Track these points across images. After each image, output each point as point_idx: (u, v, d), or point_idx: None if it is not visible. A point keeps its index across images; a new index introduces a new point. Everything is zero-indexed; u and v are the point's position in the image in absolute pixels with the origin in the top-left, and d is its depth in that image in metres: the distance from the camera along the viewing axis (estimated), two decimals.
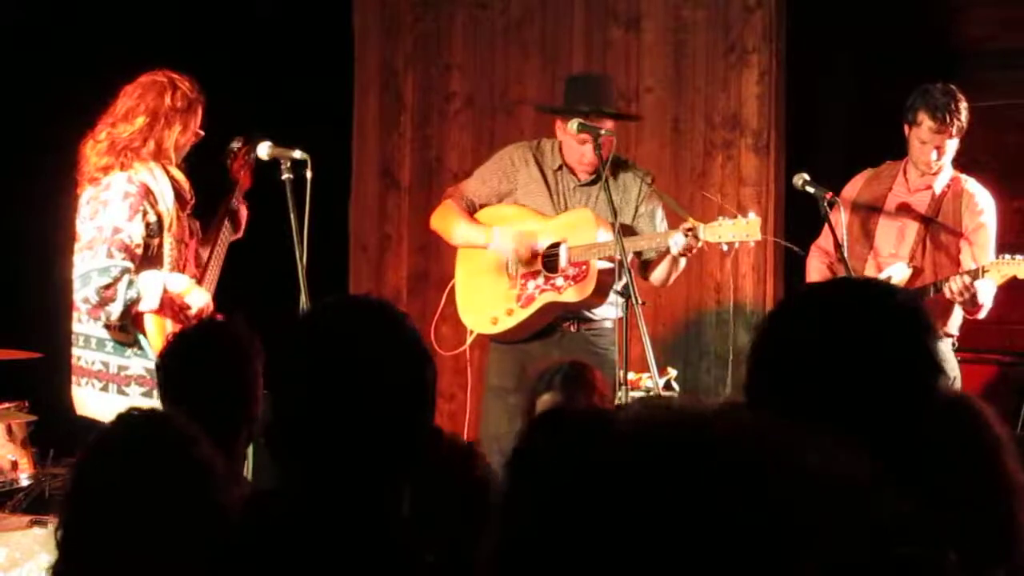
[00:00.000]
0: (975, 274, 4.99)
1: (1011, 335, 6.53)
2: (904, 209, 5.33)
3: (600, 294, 5.12)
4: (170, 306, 4.44)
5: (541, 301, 5.16)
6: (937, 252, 5.27)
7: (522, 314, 5.19)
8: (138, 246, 4.39)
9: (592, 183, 5.20)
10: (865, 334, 1.81)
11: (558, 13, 6.89)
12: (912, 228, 5.31)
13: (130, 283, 4.36)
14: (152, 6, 6.43)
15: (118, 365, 4.46)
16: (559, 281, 5.15)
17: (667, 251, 4.98)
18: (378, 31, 7.22)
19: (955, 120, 5.13)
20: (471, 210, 5.34)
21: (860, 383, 1.78)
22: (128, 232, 4.38)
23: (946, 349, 5.30)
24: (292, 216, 4.52)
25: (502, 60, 7.00)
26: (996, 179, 5.62)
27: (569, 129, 5.12)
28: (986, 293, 5.05)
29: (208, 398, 3.15)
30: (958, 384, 5.15)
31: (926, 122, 5.15)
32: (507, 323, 5.22)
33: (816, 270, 5.52)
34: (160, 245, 4.46)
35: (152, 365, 4.37)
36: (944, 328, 5.27)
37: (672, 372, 5.90)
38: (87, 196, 4.48)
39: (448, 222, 5.36)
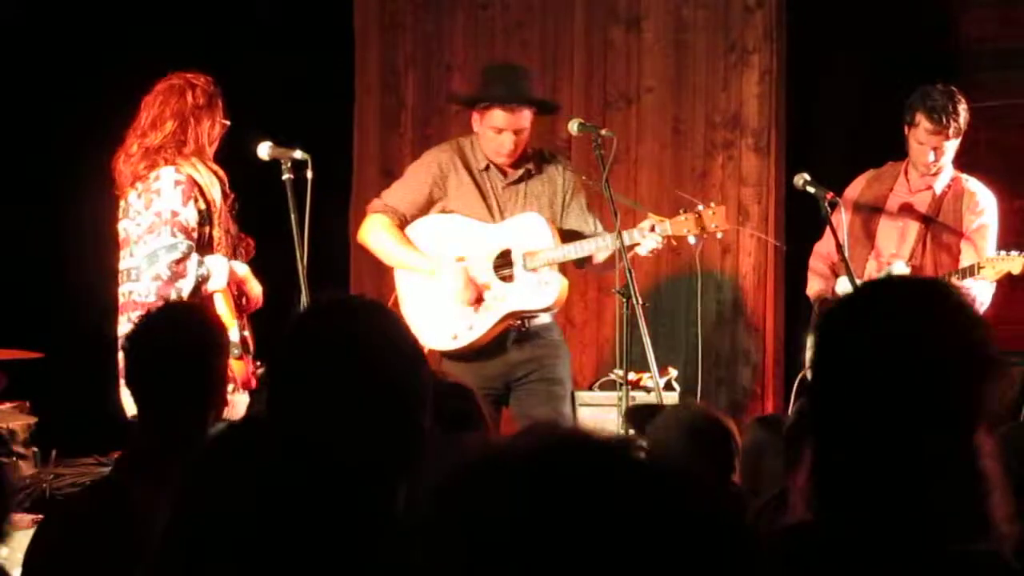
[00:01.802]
0: (971, 271, 4.99)
1: (1010, 335, 6.53)
2: (905, 209, 5.33)
3: (562, 298, 5.07)
4: (232, 288, 4.55)
5: (503, 311, 5.04)
6: (938, 251, 5.27)
7: (485, 326, 5.05)
8: (194, 230, 4.51)
9: (519, 181, 5.13)
10: (930, 333, 1.76)
11: (558, 13, 6.89)
12: (913, 228, 5.32)
13: (199, 262, 4.49)
14: (153, 7, 6.44)
15: None
16: (515, 289, 5.06)
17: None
18: (378, 31, 7.22)
19: (952, 122, 5.12)
20: (401, 223, 5.15)
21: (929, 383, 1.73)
22: (185, 216, 4.49)
23: None
24: (292, 216, 4.55)
25: (502, 60, 7.00)
26: (997, 179, 5.62)
27: (570, 130, 5.10)
28: (981, 292, 5.05)
29: (171, 384, 3.13)
30: None
31: (923, 123, 5.15)
32: (469, 337, 5.06)
33: (818, 271, 5.52)
34: (211, 234, 4.56)
35: None
36: None
37: (672, 372, 5.91)
38: (136, 193, 4.55)
39: (382, 242, 5.17)
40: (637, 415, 3.43)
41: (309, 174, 4.57)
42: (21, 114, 6.09)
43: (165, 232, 4.46)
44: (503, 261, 5.07)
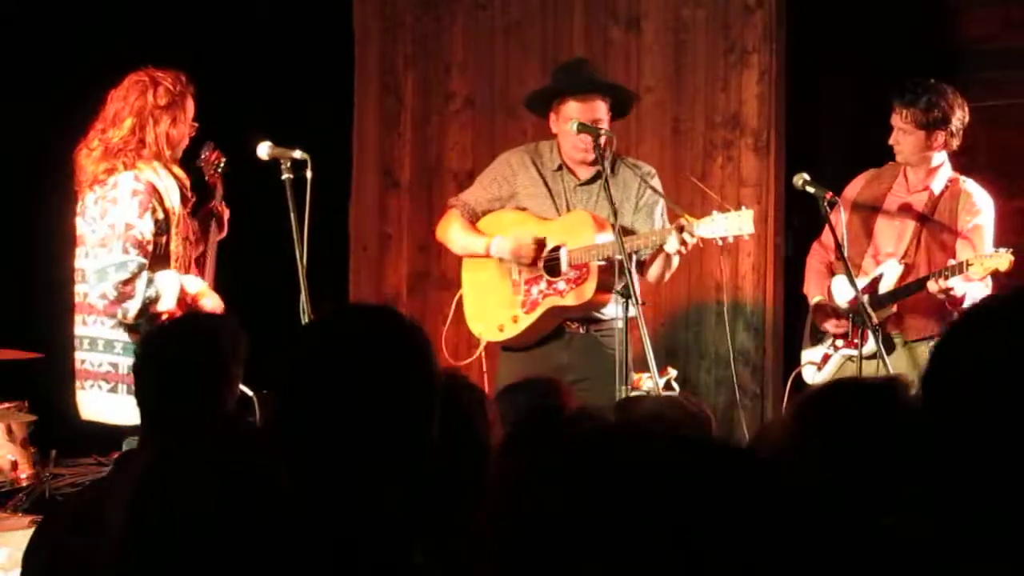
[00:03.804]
0: (959, 268, 4.98)
1: None
2: (903, 209, 5.34)
3: (602, 295, 5.09)
4: (185, 305, 4.48)
5: (544, 306, 5.15)
6: (932, 250, 5.27)
7: (527, 320, 5.18)
8: (149, 242, 4.44)
9: (592, 181, 5.19)
10: None
11: (558, 13, 6.89)
12: (909, 227, 5.32)
13: (149, 281, 4.41)
14: (152, 7, 6.43)
15: (128, 366, 4.46)
16: (561, 285, 5.13)
17: (661, 249, 4.97)
18: (378, 31, 7.22)
19: (909, 108, 5.12)
20: (473, 218, 5.33)
21: None
22: (140, 228, 4.43)
23: None
24: (292, 216, 4.54)
25: (502, 60, 7.00)
26: (996, 179, 5.62)
27: (569, 130, 5.11)
28: (978, 292, 5.05)
29: (183, 393, 3.12)
30: None
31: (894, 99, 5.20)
32: (513, 330, 5.21)
33: (815, 270, 5.52)
34: (167, 243, 4.50)
35: None
36: (939, 328, 5.26)
37: (672, 372, 5.89)
38: (94, 197, 4.49)
39: (450, 233, 5.36)
40: (625, 407, 3.43)
41: (308, 174, 4.56)
42: (22, 115, 6.08)
43: (117, 248, 4.39)
44: (553, 257, 5.16)
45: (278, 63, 6.69)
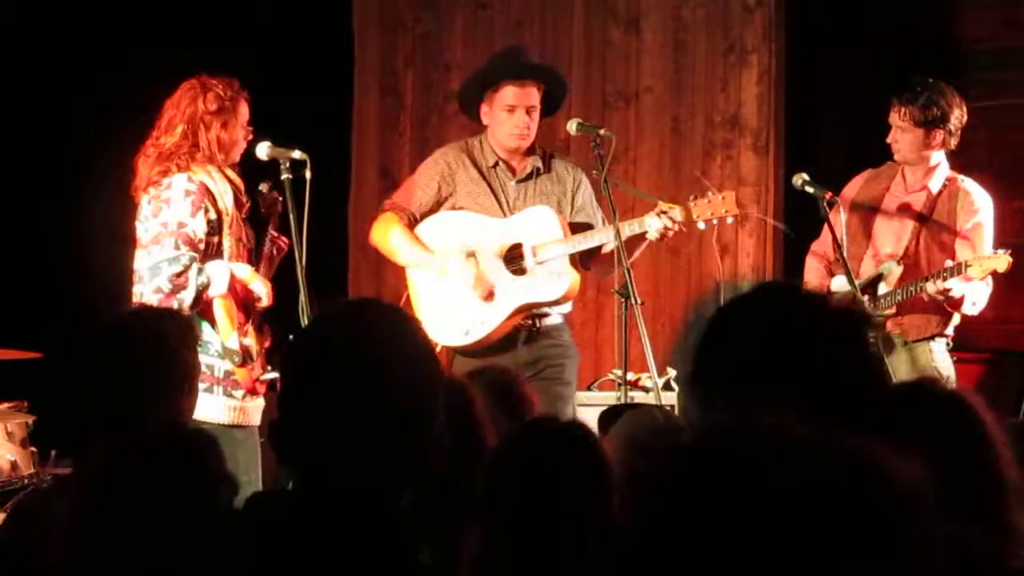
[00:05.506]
0: (958, 269, 4.99)
1: (1010, 335, 6.53)
2: (902, 208, 5.34)
3: (572, 290, 5.05)
4: (235, 293, 4.53)
5: (514, 304, 5.03)
6: (932, 250, 5.27)
7: (496, 319, 5.03)
8: (201, 241, 4.51)
9: (527, 179, 5.13)
10: (799, 336, 1.93)
11: (558, 13, 6.89)
12: (908, 227, 5.32)
13: (199, 270, 4.48)
14: (154, 7, 6.44)
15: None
16: (526, 282, 5.05)
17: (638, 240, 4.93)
18: (378, 31, 7.22)
19: (909, 105, 5.13)
20: (412, 223, 5.13)
21: (797, 380, 1.89)
22: (192, 227, 4.50)
23: (940, 349, 5.29)
24: (292, 216, 4.55)
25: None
26: (996, 179, 5.62)
27: (569, 130, 5.09)
28: (979, 292, 5.05)
29: (132, 394, 3.09)
30: (952, 384, 5.13)
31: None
32: (481, 331, 5.04)
33: (814, 270, 5.52)
34: (220, 243, 4.56)
35: (211, 360, 4.46)
36: (939, 328, 5.26)
37: (671, 372, 5.91)
38: (147, 197, 4.57)
39: (392, 242, 5.13)
40: (607, 418, 3.43)
41: (308, 174, 4.57)
42: (19, 116, 6.09)
43: (168, 244, 4.47)
44: (514, 255, 5.06)
45: (278, 63, 6.68)
